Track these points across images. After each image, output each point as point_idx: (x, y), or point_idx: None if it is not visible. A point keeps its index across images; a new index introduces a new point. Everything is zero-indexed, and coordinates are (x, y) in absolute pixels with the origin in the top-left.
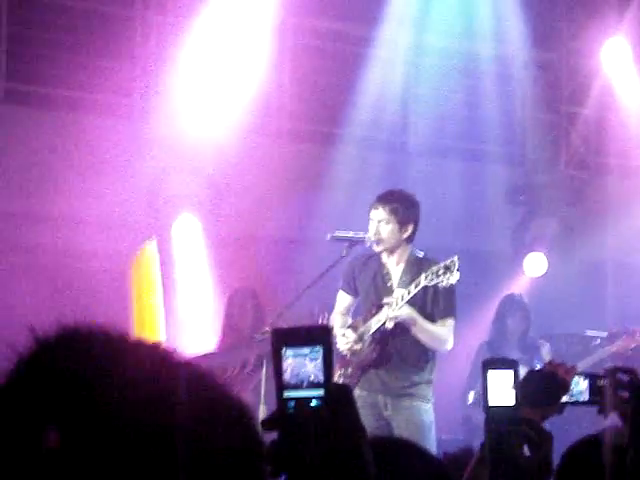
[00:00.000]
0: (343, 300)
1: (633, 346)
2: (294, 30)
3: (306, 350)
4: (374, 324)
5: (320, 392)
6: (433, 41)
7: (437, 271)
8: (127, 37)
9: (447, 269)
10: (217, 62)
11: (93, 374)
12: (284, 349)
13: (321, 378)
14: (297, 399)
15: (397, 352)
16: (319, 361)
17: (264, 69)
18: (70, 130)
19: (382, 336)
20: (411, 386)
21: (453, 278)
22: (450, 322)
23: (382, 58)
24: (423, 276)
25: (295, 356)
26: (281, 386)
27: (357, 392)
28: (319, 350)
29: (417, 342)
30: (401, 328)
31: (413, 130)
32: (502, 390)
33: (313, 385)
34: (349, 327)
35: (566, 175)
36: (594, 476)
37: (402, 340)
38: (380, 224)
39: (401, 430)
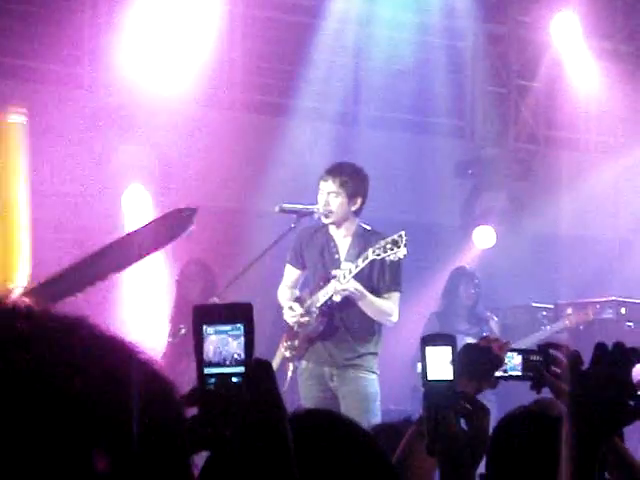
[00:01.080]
0: (291, 274)
1: (585, 321)
2: (245, 0)
3: (227, 327)
4: (321, 297)
5: (241, 369)
6: (383, 13)
7: (385, 245)
8: (77, 6)
9: (395, 243)
10: (167, 32)
11: (15, 362)
12: (205, 326)
13: (242, 355)
14: (218, 375)
15: (343, 324)
16: (241, 338)
17: (215, 40)
18: (18, 99)
19: (329, 309)
20: (356, 357)
21: (400, 252)
22: (395, 295)
23: (333, 29)
24: (371, 250)
25: (216, 333)
26: (202, 362)
27: (304, 364)
28: (240, 327)
29: (363, 315)
30: (347, 301)
31: (363, 102)
32: (440, 365)
33: (234, 362)
34: (296, 300)
35: (515, 149)
36: (526, 446)
37: (348, 313)
38: (330, 196)
39: (346, 401)
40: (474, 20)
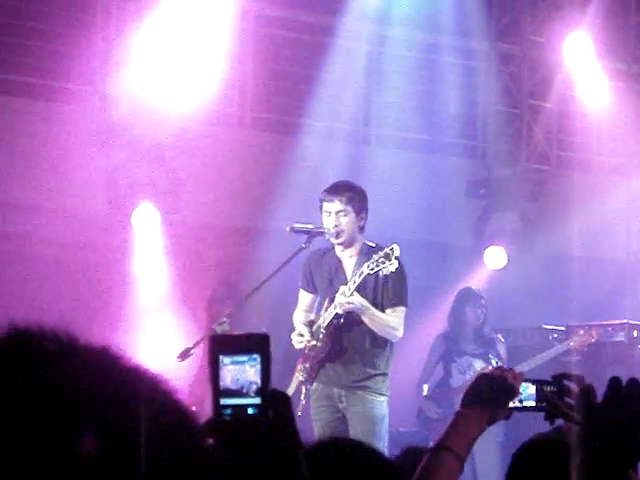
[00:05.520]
0: (304, 298)
1: (589, 342)
2: (256, 18)
3: (244, 358)
4: (327, 317)
5: (257, 400)
6: (396, 32)
7: (377, 259)
8: (88, 25)
9: (387, 257)
10: (178, 50)
11: (42, 378)
12: (221, 356)
13: (259, 386)
14: (234, 406)
15: (351, 345)
16: (257, 369)
17: (226, 58)
18: (29, 117)
19: (335, 329)
20: (365, 379)
21: (392, 266)
22: (401, 310)
23: (344, 48)
24: (365, 265)
25: (233, 363)
26: (218, 393)
27: (315, 385)
28: (257, 358)
29: (372, 334)
30: (354, 320)
31: (374, 121)
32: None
33: (251, 393)
34: (308, 324)
35: (527, 169)
36: (545, 475)
37: (356, 333)
38: (339, 215)
39: (353, 422)
40: (487, 40)
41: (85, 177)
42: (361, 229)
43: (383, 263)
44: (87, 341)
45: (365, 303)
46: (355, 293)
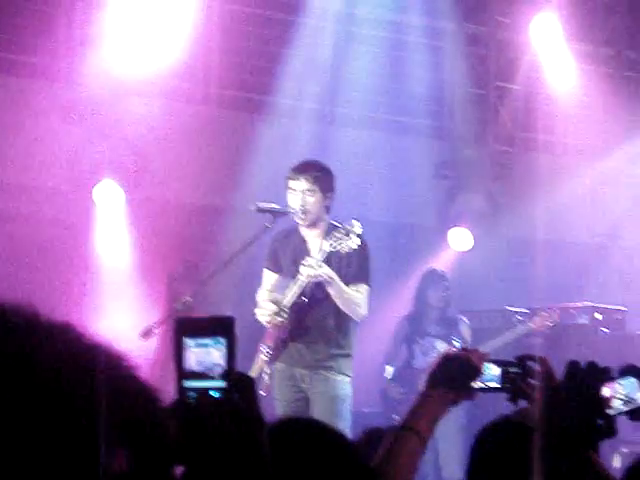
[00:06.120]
0: (268, 278)
1: (551, 324)
2: None
3: (209, 341)
4: (291, 296)
5: (222, 383)
6: (363, 11)
7: (337, 236)
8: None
9: (346, 233)
10: (143, 26)
11: (5, 352)
12: (185, 339)
13: (223, 369)
14: (198, 389)
15: (316, 325)
16: (222, 352)
17: (191, 34)
18: None
19: (300, 309)
20: (328, 359)
21: (353, 242)
22: (364, 287)
23: (311, 26)
24: (326, 242)
25: (197, 346)
26: (181, 375)
27: (278, 365)
28: (222, 341)
29: (336, 315)
30: (318, 300)
31: (341, 101)
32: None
33: (215, 376)
34: (271, 301)
35: (493, 150)
36: (506, 455)
37: (321, 313)
38: (305, 194)
39: (317, 403)
40: (454, 20)
41: (47, 153)
42: (327, 209)
43: (343, 240)
44: (49, 317)
45: (333, 274)
46: (323, 264)
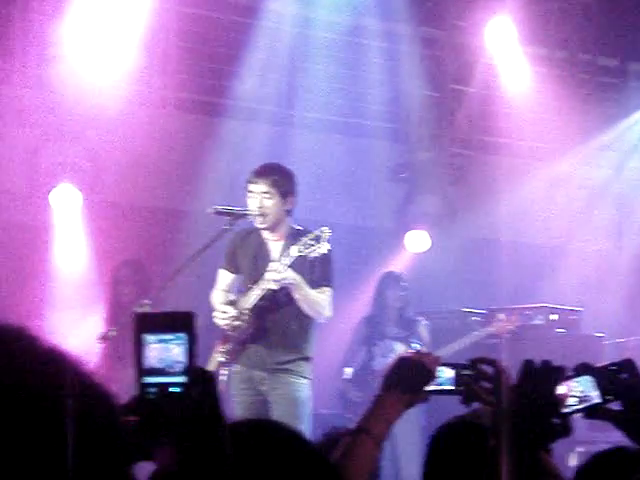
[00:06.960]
0: (224, 278)
1: (510, 329)
2: None
3: (169, 336)
4: (252, 298)
5: (182, 379)
6: (320, 14)
7: (306, 241)
8: (9, 1)
9: (316, 239)
10: (100, 28)
11: None
12: (145, 335)
13: (184, 365)
14: (159, 385)
15: (276, 328)
16: (183, 348)
17: (149, 37)
18: None
19: (260, 311)
20: (288, 362)
21: (323, 248)
22: (327, 290)
23: (268, 29)
24: (294, 247)
25: (158, 342)
26: (141, 371)
27: (237, 368)
28: (182, 337)
29: (297, 318)
30: (279, 302)
31: (298, 103)
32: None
33: (175, 372)
34: (229, 303)
35: (450, 153)
36: (460, 456)
37: (281, 315)
38: (263, 197)
39: (276, 405)
40: (410, 24)
41: (4, 155)
42: (288, 212)
43: (313, 245)
44: (4, 321)
45: (299, 278)
46: (289, 269)
